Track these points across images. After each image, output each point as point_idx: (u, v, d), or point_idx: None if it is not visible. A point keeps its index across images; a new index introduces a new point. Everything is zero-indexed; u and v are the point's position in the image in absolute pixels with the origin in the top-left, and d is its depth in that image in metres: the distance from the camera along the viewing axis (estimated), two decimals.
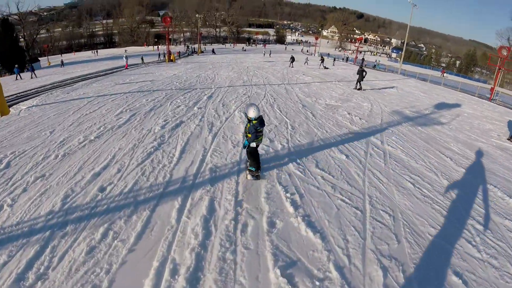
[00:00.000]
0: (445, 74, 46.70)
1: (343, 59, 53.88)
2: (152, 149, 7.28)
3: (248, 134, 5.60)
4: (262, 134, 5.84)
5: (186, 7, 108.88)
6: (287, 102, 13.38)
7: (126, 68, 28.08)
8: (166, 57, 39.96)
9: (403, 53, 40.93)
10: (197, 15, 72.63)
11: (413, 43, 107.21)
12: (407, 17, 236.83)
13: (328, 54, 45.50)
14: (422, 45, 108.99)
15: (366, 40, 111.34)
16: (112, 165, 6.44)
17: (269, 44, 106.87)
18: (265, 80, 20.73)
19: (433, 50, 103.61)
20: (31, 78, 26.19)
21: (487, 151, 9.63)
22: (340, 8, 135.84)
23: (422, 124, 12.14)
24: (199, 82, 18.70)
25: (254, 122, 5.50)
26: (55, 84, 19.54)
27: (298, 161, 6.97)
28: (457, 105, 18.52)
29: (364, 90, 19.29)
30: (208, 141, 8.04)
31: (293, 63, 33.47)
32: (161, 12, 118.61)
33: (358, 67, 20.67)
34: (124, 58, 29.92)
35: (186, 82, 18.41)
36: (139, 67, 30.14)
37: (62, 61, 43.85)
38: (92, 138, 8.04)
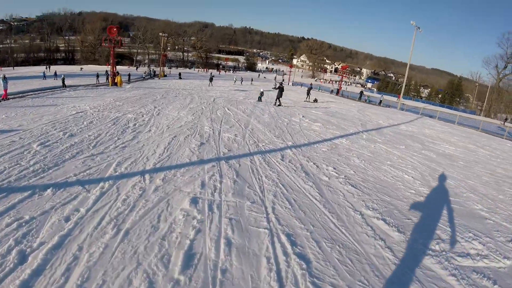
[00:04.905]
0: (401, 99, 42.92)
1: (332, 91, 44.75)
2: None
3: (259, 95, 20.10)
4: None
5: (155, 28, 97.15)
6: None
7: (4, 99, 14.50)
8: (110, 80, 28.36)
9: (403, 87, 32.33)
10: (161, 34, 60.84)
11: (383, 72, 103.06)
12: (372, 47, 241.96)
13: (311, 84, 36.50)
14: (392, 74, 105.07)
15: (336, 70, 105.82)
16: None
17: (240, 71, 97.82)
18: (246, 132, 10.08)
19: (399, 79, 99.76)
20: None
21: None
22: (308, 39, 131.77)
23: None
24: (92, 147, 6.97)
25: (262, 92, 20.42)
26: None
27: None
28: None
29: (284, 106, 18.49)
30: None
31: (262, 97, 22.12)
32: (131, 33, 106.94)
33: (278, 84, 20.75)
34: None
35: (57, 150, 6.70)
36: (45, 96, 17.91)
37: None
38: None
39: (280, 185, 5.48)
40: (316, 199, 5.10)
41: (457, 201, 6.28)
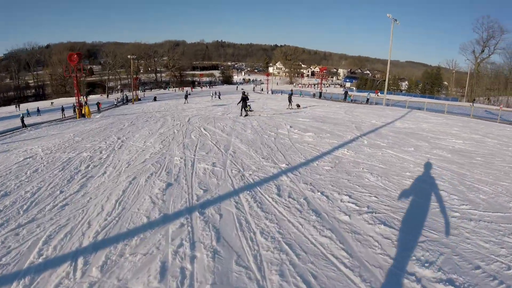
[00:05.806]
0: (378, 94, 46.80)
1: (314, 95, 43.85)
2: None
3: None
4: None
5: (123, 52, 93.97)
6: None
7: None
8: (77, 111, 26.36)
9: (386, 82, 31.49)
10: (129, 56, 58.37)
11: (360, 70, 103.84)
12: (345, 47, 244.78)
13: (291, 90, 35.45)
14: (368, 71, 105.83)
15: (313, 74, 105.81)
16: None
17: (216, 85, 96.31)
18: (227, 158, 8.24)
19: (376, 76, 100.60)
20: None
21: None
22: (281, 46, 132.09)
23: None
24: (23, 211, 4.98)
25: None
26: None
27: None
28: None
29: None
30: None
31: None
32: (102, 60, 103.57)
33: (242, 94, 19.25)
34: None
35: None
36: (0, 141, 15.80)
37: None
38: None
39: (286, 247, 3.62)
40: (345, 266, 3.28)
41: (509, 217, 4.68)
